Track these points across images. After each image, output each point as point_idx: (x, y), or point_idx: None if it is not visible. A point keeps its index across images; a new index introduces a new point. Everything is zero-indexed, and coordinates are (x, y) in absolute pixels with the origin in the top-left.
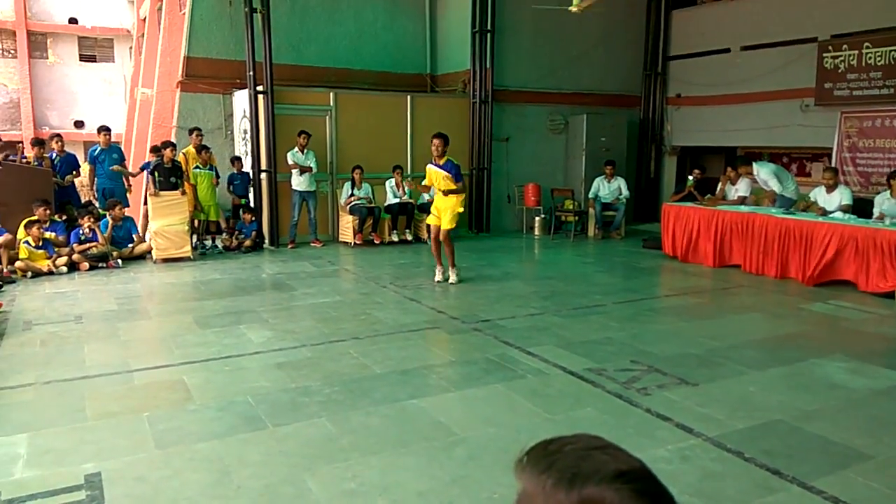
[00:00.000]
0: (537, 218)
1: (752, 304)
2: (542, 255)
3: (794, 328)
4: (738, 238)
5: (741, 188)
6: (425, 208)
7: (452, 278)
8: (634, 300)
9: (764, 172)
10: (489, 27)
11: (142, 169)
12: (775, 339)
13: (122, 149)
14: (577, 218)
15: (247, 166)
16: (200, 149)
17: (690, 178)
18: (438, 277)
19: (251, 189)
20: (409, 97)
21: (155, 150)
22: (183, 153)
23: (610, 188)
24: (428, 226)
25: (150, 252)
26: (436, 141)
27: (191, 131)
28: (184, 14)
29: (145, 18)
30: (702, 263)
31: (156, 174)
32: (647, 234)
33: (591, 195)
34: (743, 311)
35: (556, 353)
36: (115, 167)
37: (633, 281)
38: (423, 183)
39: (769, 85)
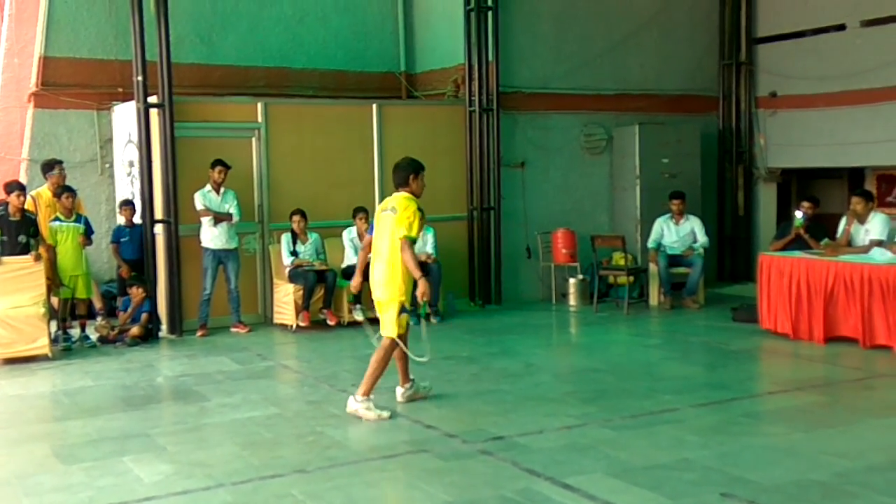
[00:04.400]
0: (572, 280)
1: None
2: (581, 335)
3: None
4: (877, 304)
5: (875, 228)
6: None
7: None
8: (723, 401)
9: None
10: (490, 2)
11: None
12: None
13: None
14: (632, 279)
15: (138, 216)
16: (61, 192)
17: (798, 214)
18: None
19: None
20: (374, 106)
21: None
22: (32, 197)
23: (679, 233)
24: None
25: None
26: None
27: (49, 166)
28: None
29: None
30: (822, 343)
31: None
32: (737, 301)
33: (651, 244)
34: (889, 413)
35: (607, 484)
36: None
37: (719, 372)
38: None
39: None
